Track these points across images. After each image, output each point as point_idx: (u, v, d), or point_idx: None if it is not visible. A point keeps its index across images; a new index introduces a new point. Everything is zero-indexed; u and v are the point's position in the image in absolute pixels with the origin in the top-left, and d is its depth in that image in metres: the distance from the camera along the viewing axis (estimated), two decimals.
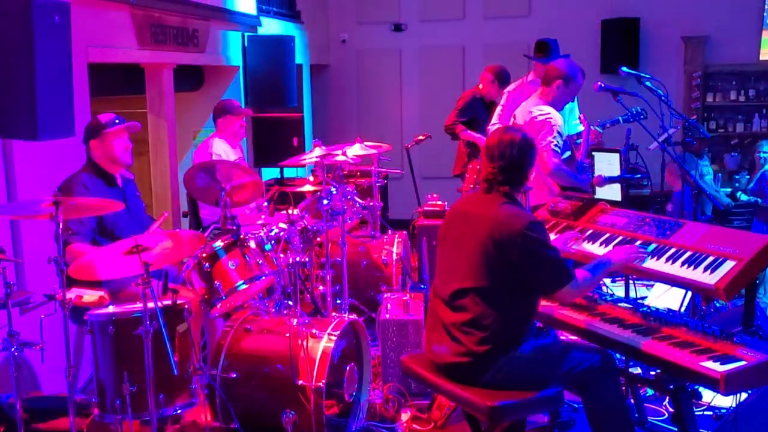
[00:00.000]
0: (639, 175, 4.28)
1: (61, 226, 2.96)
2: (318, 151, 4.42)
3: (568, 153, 4.79)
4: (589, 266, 3.15)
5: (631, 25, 8.35)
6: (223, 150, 5.23)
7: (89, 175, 3.93)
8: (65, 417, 3.32)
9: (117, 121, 3.98)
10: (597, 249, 3.46)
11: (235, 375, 3.51)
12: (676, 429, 3.15)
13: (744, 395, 3.30)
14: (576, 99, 5.80)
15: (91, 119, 4.02)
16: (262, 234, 3.87)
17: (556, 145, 4.41)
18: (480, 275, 2.98)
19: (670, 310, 3.49)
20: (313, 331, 3.55)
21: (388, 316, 4.27)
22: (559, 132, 4.48)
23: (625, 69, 4.54)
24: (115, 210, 3.34)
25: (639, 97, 4.30)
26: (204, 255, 3.60)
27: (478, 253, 2.98)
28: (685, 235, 3.22)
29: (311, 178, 5.20)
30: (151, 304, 3.01)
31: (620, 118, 5.14)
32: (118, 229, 3.87)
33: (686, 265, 3.05)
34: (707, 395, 3.83)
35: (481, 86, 6.68)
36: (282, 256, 3.83)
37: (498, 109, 5.94)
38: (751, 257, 2.89)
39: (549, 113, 4.53)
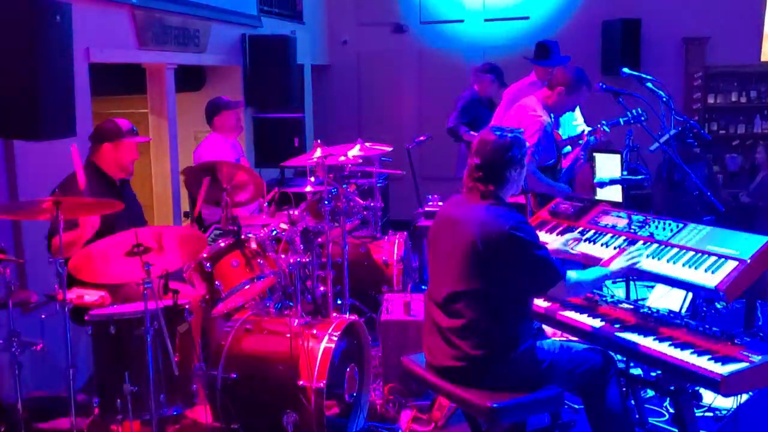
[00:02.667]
0: (640, 177, 4.28)
1: (62, 225, 2.96)
2: (319, 152, 4.41)
3: (552, 161, 4.80)
4: (587, 270, 3.15)
5: (632, 26, 8.35)
6: (223, 149, 5.22)
7: (88, 176, 3.91)
8: (66, 417, 3.32)
9: (134, 131, 3.97)
10: (598, 250, 3.46)
11: (235, 375, 3.51)
12: (676, 430, 3.15)
13: (745, 396, 3.30)
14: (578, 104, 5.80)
15: (108, 122, 3.98)
16: (263, 234, 3.87)
17: (534, 152, 4.41)
18: (471, 278, 2.98)
19: (670, 311, 3.49)
20: (314, 331, 3.55)
21: (388, 316, 4.27)
22: (541, 138, 4.48)
23: (626, 70, 4.54)
24: (116, 209, 3.33)
25: (640, 98, 4.30)
26: (205, 255, 3.60)
27: (467, 257, 2.98)
28: (687, 236, 3.22)
29: (312, 179, 5.20)
30: (152, 304, 3.01)
31: (620, 120, 5.14)
32: (115, 230, 3.85)
33: (687, 267, 3.06)
34: (708, 396, 3.83)
35: (476, 87, 6.69)
36: (283, 256, 3.83)
37: (497, 111, 5.93)
38: (752, 258, 2.89)
39: (541, 118, 4.53)
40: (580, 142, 5.15)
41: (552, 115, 4.74)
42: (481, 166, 3.05)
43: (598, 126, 5.07)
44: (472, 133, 6.51)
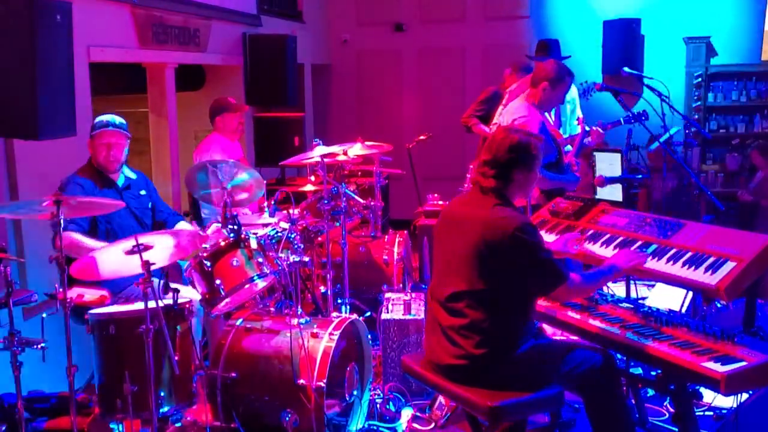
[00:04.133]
0: (640, 176, 4.28)
1: (62, 224, 2.96)
2: (319, 151, 4.41)
3: (553, 155, 4.79)
4: (592, 271, 3.15)
5: (633, 26, 8.35)
6: (223, 148, 5.23)
7: (84, 175, 3.92)
8: (66, 416, 3.33)
9: (108, 125, 3.91)
10: (598, 249, 3.46)
11: (235, 375, 3.51)
12: (677, 429, 3.15)
13: (745, 396, 3.30)
14: (579, 101, 5.80)
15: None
16: (263, 233, 3.87)
17: None
18: (474, 278, 2.98)
19: (671, 310, 3.49)
20: (314, 330, 3.55)
21: (388, 315, 4.27)
22: None
23: (626, 69, 4.54)
24: (116, 209, 3.34)
25: (640, 97, 4.30)
26: (205, 254, 3.60)
27: (471, 256, 2.98)
28: (686, 236, 3.22)
29: (312, 178, 5.20)
30: (152, 304, 3.01)
31: (621, 119, 5.14)
32: (114, 230, 3.85)
33: (687, 266, 3.05)
34: (708, 396, 3.83)
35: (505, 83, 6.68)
36: (283, 255, 3.83)
37: (499, 109, 5.93)
38: (752, 258, 2.89)
39: (527, 118, 4.49)
40: (568, 148, 5.12)
41: (548, 113, 4.71)
42: (490, 161, 3.06)
43: (593, 127, 5.05)
44: (481, 126, 6.51)
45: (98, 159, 3.95)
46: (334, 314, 4.21)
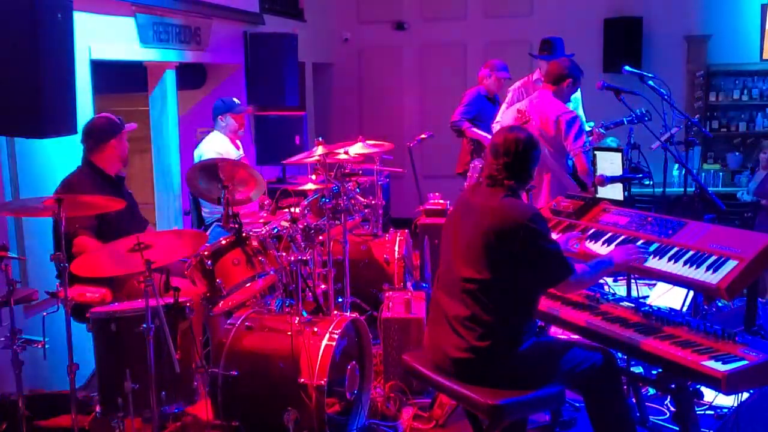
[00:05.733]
0: (641, 175, 4.28)
1: (64, 223, 2.96)
2: (320, 150, 4.41)
3: None
4: (591, 263, 3.15)
5: (634, 24, 8.35)
6: (224, 147, 5.22)
7: (89, 174, 3.92)
8: (67, 414, 3.33)
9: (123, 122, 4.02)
10: (599, 248, 3.46)
11: (236, 373, 3.51)
12: (677, 428, 3.15)
13: (745, 395, 3.30)
14: (581, 101, 5.81)
15: (102, 119, 3.99)
16: (264, 232, 3.87)
17: (586, 146, 4.46)
18: (482, 266, 2.97)
19: (672, 309, 3.49)
20: (315, 329, 3.55)
21: (389, 314, 4.27)
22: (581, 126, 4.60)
23: (627, 68, 4.54)
24: (118, 207, 3.34)
25: (641, 96, 4.30)
26: (206, 253, 3.60)
27: (480, 244, 2.98)
28: (688, 235, 3.22)
29: (313, 177, 5.19)
30: (153, 302, 3.02)
31: (624, 119, 5.14)
32: (120, 228, 3.85)
33: (688, 265, 3.05)
34: (709, 394, 3.83)
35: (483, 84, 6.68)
36: (284, 254, 3.83)
37: (502, 107, 5.93)
38: (753, 257, 2.89)
39: (575, 114, 4.60)
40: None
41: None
42: (511, 164, 3.06)
43: (594, 128, 5.07)
44: (474, 129, 6.50)
45: (125, 153, 4.00)
46: (335, 313, 4.21)
